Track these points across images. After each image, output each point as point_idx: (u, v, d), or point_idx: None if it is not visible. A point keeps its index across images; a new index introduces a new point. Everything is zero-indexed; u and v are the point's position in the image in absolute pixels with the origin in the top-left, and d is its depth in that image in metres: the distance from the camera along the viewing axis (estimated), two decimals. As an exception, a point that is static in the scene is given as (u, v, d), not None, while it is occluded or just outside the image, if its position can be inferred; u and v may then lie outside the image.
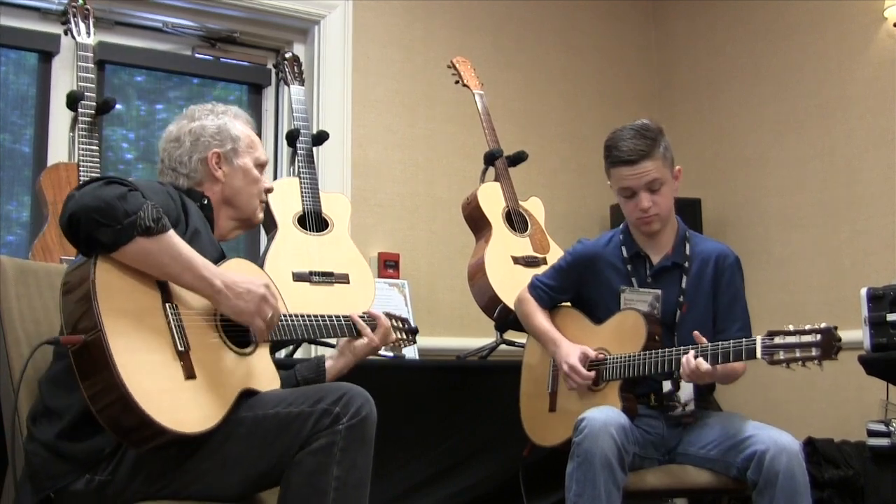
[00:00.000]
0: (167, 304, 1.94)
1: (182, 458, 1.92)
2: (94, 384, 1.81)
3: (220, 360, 2.02)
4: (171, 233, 1.92)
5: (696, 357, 2.44)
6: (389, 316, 2.56)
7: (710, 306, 2.72)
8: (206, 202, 2.26)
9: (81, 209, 1.82)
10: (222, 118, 2.32)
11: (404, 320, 2.66)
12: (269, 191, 2.39)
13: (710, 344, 2.46)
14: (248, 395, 2.04)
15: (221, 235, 2.33)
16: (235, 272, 2.08)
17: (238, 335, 2.08)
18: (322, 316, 2.38)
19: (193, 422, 1.88)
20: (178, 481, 1.94)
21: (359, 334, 2.44)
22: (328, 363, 2.43)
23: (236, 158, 2.30)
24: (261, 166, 2.36)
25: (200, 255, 2.04)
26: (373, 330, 2.45)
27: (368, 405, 2.02)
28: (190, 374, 1.91)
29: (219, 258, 2.16)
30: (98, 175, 1.92)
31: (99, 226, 1.83)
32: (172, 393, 1.87)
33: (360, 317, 2.47)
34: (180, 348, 1.92)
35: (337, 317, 2.41)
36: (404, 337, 2.63)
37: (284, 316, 2.24)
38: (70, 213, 1.83)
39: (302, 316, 2.32)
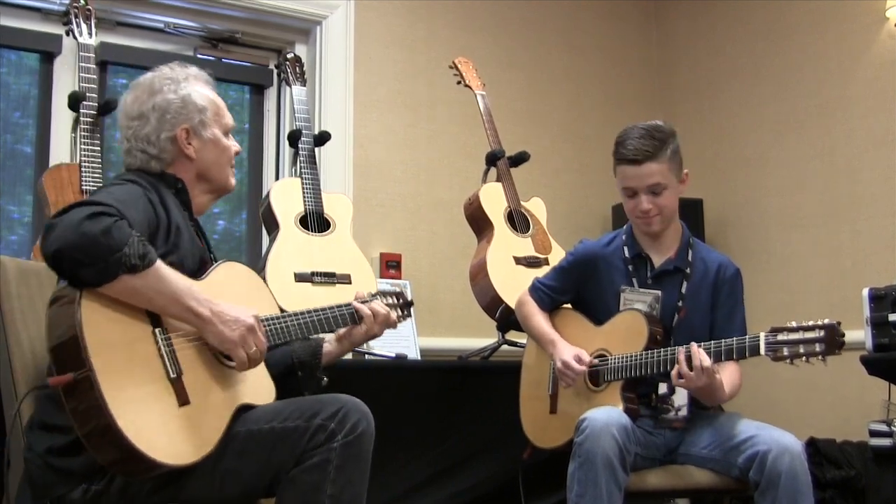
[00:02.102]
0: (157, 330, 1.91)
1: (177, 472, 1.91)
2: (87, 423, 1.78)
3: (214, 378, 2.00)
4: (157, 265, 1.88)
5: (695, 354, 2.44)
6: (385, 294, 2.51)
7: (706, 315, 2.72)
8: (180, 186, 2.20)
9: (65, 247, 1.77)
10: (185, 87, 2.22)
11: (399, 294, 2.58)
12: (237, 153, 2.32)
13: (713, 341, 2.46)
14: (244, 409, 2.02)
15: (199, 211, 2.28)
16: (224, 284, 2.05)
17: None
18: (319, 310, 2.29)
19: (189, 451, 1.86)
20: (173, 493, 1.93)
21: (359, 321, 2.36)
22: (326, 347, 2.38)
23: (205, 131, 2.22)
24: (227, 132, 2.30)
25: (185, 257, 2.04)
26: (374, 317, 2.37)
27: (365, 420, 2.00)
28: (184, 401, 1.90)
29: (201, 256, 2.13)
30: (82, 199, 1.89)
31: (83, 265, 1.79)
32: (167, 425, 1.85)
33: (361, 301, 2.39)
34: (172, 375, 1.90)
35: (338, 307, 2.33)
36: (401, 313, 2.55)
37: (278, 317, 2.18)
38: (53, 250, 1.79)
39: (296, 314, 2.23)
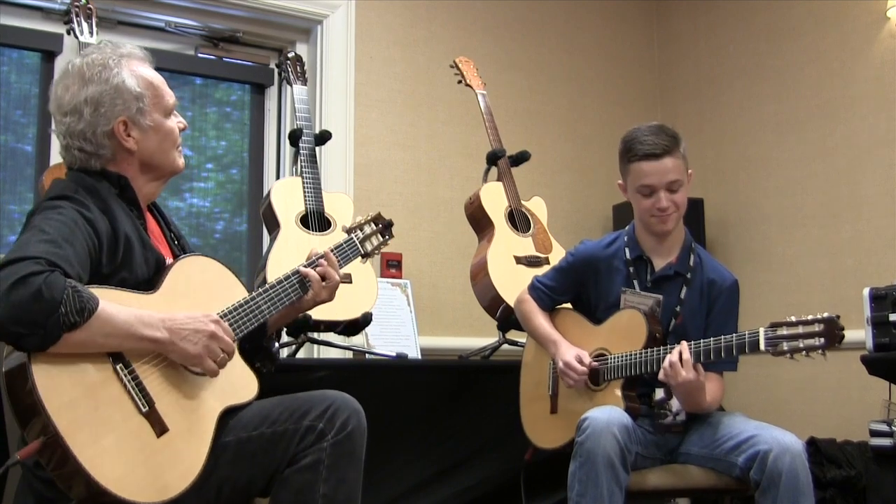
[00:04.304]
0: (118, 367, 1.83)
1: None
2: (67, 482, 1.74)
3: (189, 394, 1.94)
4: (99, 310, 1.77)
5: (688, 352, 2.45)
6: (360, 227, 2.39)
7: (701, 323, 2.71)
8: (123, 183, 2.06)
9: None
10: (117, 74, 2.05)
11: (375, 220, 2.45)
12: (182, 130, 2.17)
13: (712, 338, 2.45)
14: (229, 412, 1.98)
15: (148, 199, 2.16)
16: (182, 286, 1.98)
17: None
18: (280, 282, 2.17)
19: (178, 480, 1.83)
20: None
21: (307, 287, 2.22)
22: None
23: (144, 119, 2.07)
24: (169, 112, 2.14)
25: (137, 269, 1.95)
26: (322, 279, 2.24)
27: (356, 417, 1.98)
28: (162, 430, 1.84)
29: (156, 260, 2.03)
30: (7, 257, 1.75)
31: (21, 336, 1.70)
32: (148, 463, 1.81)
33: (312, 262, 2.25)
34: (143, 409, 1.84)
35: (287, 277, 2.19)
36: (380, 240, 2.45)
37: (245, 301, 2.07)
38: None
39: (263, 291, 2.13)
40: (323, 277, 2.24)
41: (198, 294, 2.01)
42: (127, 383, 1.83)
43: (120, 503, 1.73)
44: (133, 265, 1.97)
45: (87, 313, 1.75)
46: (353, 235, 2.39)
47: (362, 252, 2.40)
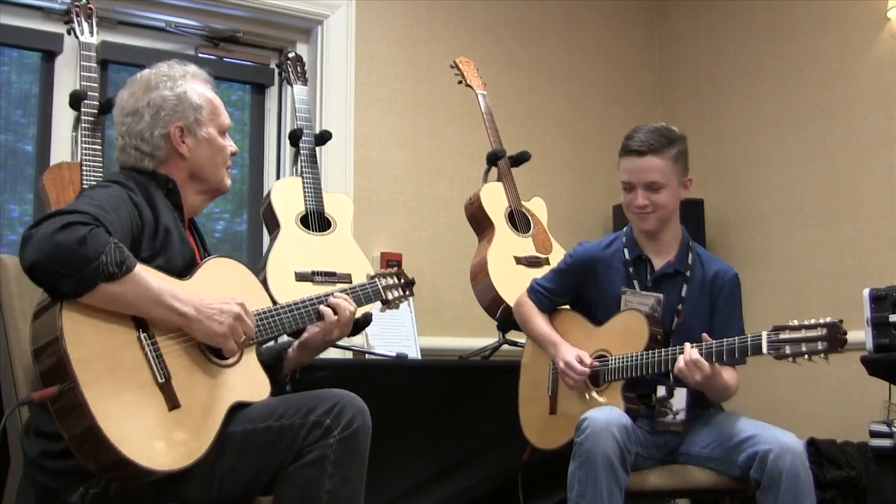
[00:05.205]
0: (143, 335, 1.90)
1: (175, 475, 1.89)
2: (75, 433, 1.77)
3: (205, 378, 1.98)
4: (137, 270, 1.85)
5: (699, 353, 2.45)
6: (383, 275, 2.46)
7: (705, 320, 2.71)
8: (171, 186, 2.17)
9: (41, 259, 1.76)
10: (181, 85, 2.20)
11: (398, 274, 2.53)
12: (233, 154, 2.29)
13: (714, 341, 2.46)
14: (238, 407, 2.01)
15: (192, 212, 2.26)
16: (211, 281, 2.03)
17: None
18: (297, 303, 2.25)
19: (180, 456, 1.85)
20: (172, 495, 1.93)
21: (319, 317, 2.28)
22: (289, 353, 2.34)
23: (200, 129, 2.19)
24: (224, 131, 2.26)
25: (173, 259, 2.02)
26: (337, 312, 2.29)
27: (361, 416, 2.00)
28: (174, 404, 1.88)
29: (191, 257, 2.10)
30: (57, 209, 1.86)
31: (59, 276, 1.77)
32: (156, 430, 1.84)
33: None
34: (160, 380, 1.88)
35: (311, 299, 2.27)
36: (401, 294, 2.50)
37: (268, 310, 2.17)
38: (29, 263, 1.78)
39: (287, 306, 2.21)
40: (335, 310, 2.29)
41: (225, 292, 2.06)
42: (149, 352, 1.89)
43: (121, 461, 1.76)
44: (169, 254, 2.05)
45: (126, 268, 1.83)
46: (376, 280, 2.46)
47: (383, 298, 2.47)
